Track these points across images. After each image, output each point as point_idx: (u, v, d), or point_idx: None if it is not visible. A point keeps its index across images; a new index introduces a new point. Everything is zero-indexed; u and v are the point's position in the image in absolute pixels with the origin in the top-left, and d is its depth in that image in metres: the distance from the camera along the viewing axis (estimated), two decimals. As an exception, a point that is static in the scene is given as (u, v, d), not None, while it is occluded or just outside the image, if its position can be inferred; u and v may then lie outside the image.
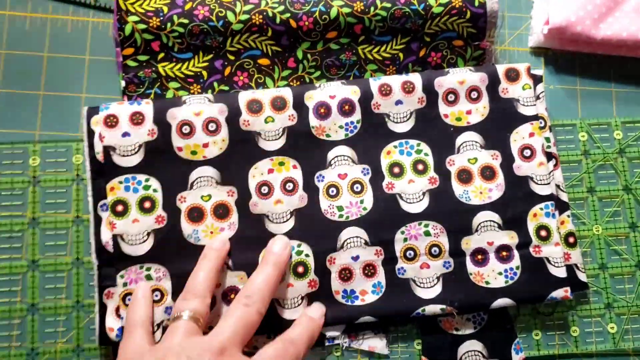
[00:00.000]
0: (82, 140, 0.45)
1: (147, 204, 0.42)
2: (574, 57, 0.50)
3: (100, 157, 0.42)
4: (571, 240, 0.45)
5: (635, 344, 0.46)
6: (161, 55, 0.44)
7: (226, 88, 0.45)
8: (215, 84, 0.45)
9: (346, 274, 0.42)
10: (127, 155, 0.41)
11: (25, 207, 0.44)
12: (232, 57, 0.45)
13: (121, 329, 0.40)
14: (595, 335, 0.46)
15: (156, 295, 0.41)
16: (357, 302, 0.42)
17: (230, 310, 0.37)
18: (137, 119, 0.42)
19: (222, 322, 0.37)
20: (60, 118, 0.46)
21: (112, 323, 0.40)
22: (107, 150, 0.41)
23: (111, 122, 0.42)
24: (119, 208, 0.41)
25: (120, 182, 0.41)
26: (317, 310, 0.41)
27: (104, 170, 0.41)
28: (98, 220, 0.42)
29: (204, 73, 0.45)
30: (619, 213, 0.48)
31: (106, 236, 0.41)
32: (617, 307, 0.46)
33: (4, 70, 0.46)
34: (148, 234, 0.41)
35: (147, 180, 0.42)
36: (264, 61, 0.45)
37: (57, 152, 0.45)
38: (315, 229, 0.43)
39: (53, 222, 0.44)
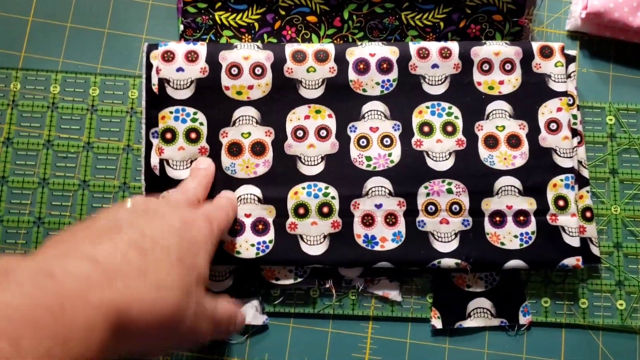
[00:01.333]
0: (139, 76, 0.49)
1: (193, 135, 0.45)
2: (609, 43, 0.52)
3: (155, 88, 0.45)
4: (588, 214, 0.47)
5: (643, 323, 0.47)
6: (218, 4, 0.48)
7: (274, 40, 0.49)
8: (265, 36, 0.49)
9: (368, 220, 0.45)
10: (180, 89, 0.45)
11: (82, 131, 0.48)
12: (282, 12, 0.48)
13: None
14: (604, 310, 0.48)
15: None
16: (377, 248, 0.45)
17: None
18: (191, 56, 0.45)
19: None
20: (121, 55, 0.50)
21: None
22: (162, 82, 0.45)
23: (168, 57, 0.45)
24: (168, 136, 0.45)
25: (171, 112, 0.45)
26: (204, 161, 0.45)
27: (158, 100, 0.45)
28: (149, 146, 0.45)
29: (256, 25, 0.48)
30: (639, 196, 0.49)
31: (155, 160, 0.45)
32: (627, 286, 0.48)
33: (75, 8, 0.50)
34: (191, 162, 0.45)
35: (195, 113, 0.45)
36: (312, 18, 0.49)
37: (116, 85, 0.49)
38: (343, 174, 0.45)
39: (105, 147, 0.48)
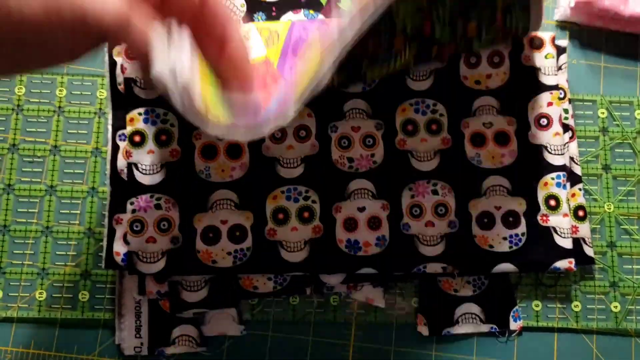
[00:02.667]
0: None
1: (163, 137, 0.43)
2: (600, 33, 0.50)
3: (121, 88, 0.43)
4: (580, 213, 0.45)
5: (638, 325, 0.45)
6: None
7: None
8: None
9: (351, 224, 0.43)
10: (149, 88, 0.43)
11: (48, 134, 0.46)
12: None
13: (127, 254, 0.41)
14: (598, 313, 0.45)
15: (164, 225, 0.42)
16: (360, 253, 0.43)
17: None
18: None
19: None
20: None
21: (119, 248, 0.42)
22: (129, 82, 0.43)
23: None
24: (137, 138, 0.43)
25: (140, 114, 0.43)
26: None
27: (125, 101, 0.43)
28: (115, 149, 0.43)
29: None
30: (633, 193, 0.47)
31: (121, 164, 0.43)
32: (622, 287, 0.46)
33: (40, 4, 0.48)
34: (162, 166, 0.43)
35: (165, 114, 0.43)
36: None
37: (83, 85, 0.47)
38: (324, 177, 0.43)
39: (73, 151, 0.46)
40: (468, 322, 0.44)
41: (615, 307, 0.46)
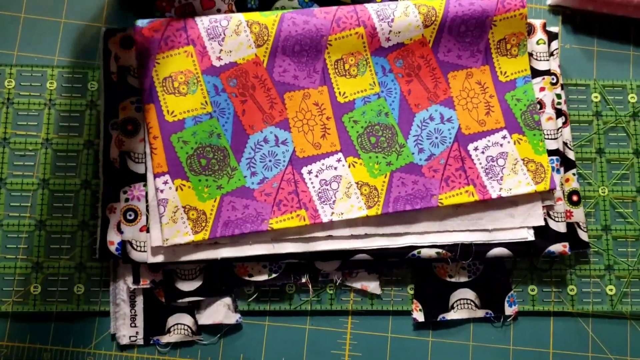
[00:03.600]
0: (98, 67, 0.46)
1: None
2: (592, 17, 0.49)
3: (114, 77, 0.43)
4: (575, 198, 0.45)
5: (634, 308, 0.45)
6: None
7: None
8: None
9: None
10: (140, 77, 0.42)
11: (40, 127, 0.46)
12: None
13: (121, 243, 0.41)
14: (593, 296, 0.46)
15: (130, 215, 0.42)
16: None
17: None
18: None
19: None
20: (79, 45, 0.47)
21: (113, 237, 0.42)
22: (122, 70, 0.43)
23: (127, 44, 0.43)
24: (129, 127, 0.42)
25: (132, 102, 0.43)
26: None
27: (117, 90, 0.43)
28: (108, 138, 0.43)
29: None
30: (627, 176, 0.47)
31: (114, 153, 0.43)
32: (617, 270, 0.46)
33: (29, -3, 0.47)
34: None
35: None
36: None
37: (74, 77, 0.46)
38: None
39: (65, 144, 0.45)
40: (463, 308, 0.44)
41: (611, 290, 0.46)
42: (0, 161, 0.45)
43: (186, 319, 0.43)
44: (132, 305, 0.42)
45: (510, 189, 0.42)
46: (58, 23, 0.47)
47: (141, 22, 0.42)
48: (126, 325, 0.42)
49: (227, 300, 0.43)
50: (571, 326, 0.45)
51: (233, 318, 0.43)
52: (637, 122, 0.48)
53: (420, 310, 0.44)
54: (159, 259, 0.41)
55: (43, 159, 0.45)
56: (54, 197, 0.45)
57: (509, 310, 0.44)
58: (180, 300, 0.42)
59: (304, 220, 0.42)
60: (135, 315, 0.42)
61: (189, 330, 0.43)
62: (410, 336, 0.44)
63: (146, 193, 0.42)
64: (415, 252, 0.43)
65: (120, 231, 0.42)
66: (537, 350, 0.45)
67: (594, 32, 0.49)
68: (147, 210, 0.41)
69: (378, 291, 0.44)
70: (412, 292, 0.45)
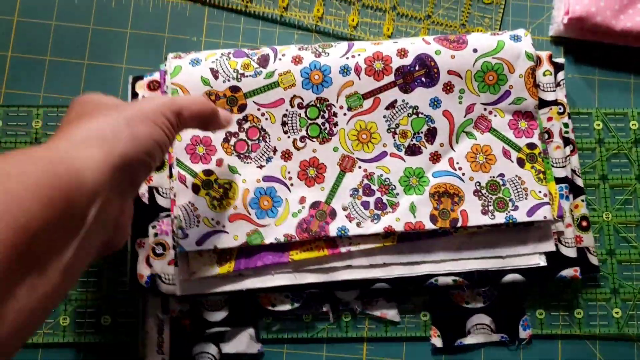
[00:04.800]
0: (120, 107, 0.49)
1: None
2: (593, 48, 0.51)
3: None
4: (584, 224, 0.46)
5: (640, 330, 0.47)
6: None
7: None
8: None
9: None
10: None
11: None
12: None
13: (150, 277, 0.43)
14: (600, 319, 0.47)
15: (159, 249, 0.44)
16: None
17: None
18: None
19: None
20: (102, 86, 0.49)
21: (142, 270, 0.44)
22: None
23: (154, 86, 0.46)
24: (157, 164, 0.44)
25: None
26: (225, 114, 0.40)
27: None
28: None
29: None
30: (630, 202, 0.49)
31: (142, 188, 0.45)
32: (623, 293, 0.47)
33: (53, 41, 0.50)
34: None
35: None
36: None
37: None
38: None
39: (90, 180, 0.48)
40: (479, 333, 0.46)
41: (617, 313, 0.47)
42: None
43: (211, 348, 0.45)
44: (160, 332, 0.44)
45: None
46: (81, 64, 0.50)
47: (165, 66, 0.45)
48: (153, 351, 0.44)
49: (251, 330, 0.45)
50: (579, 348, 0.47)
51: (255, 347, 0.45)
52: (638, 149, 0.49)
53: (438, 336, 0.46)
54: (187, 291, 0.43)
55: (70, 195, 0.47)
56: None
57: (523, 334, 0.46)
58: (208, 331, 0.44)
59: (324, 251, 0.43)
60: (163, 342, 0.44)
61: (213, 358, 0.45)
62: (424, 361, 0.46)
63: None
64: (432, 280, 0.44)
65: (149, 265, 0.44)
66: (547, 372, 0.46)
67: (595, 61, 0.51)
68: (174, 244, 0.43)
69: (397, 319, 0.46)
70: (425, 318, 0.47)
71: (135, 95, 0.46)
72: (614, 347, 0.47)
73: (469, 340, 0.46)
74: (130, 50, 0.50)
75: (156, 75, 0.46)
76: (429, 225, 0.43)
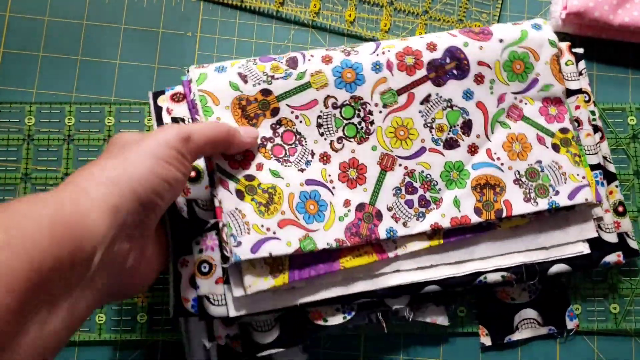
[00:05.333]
0: (114, 103, 0.48)
1: None
2: (591, 43, 0.51)
3: None
4: (620, 209, 0.46)
5: (637, 325, 0.47)
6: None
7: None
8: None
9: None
10: None
11: (59, 162, 0.47)
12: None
13: (196, 300, 0.40)
14: (597, 315, 0.47)
15: (204, 267, 0.40)
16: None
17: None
18: None
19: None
20: (95, 82, 0.49)
21: (187, 294, 0.40)
22: (176, 121, 0.43)
23: (178, 97, 0.44)
24: (193, 174, 0.42)
25: None
26: (250, 130, 0.41)
27: None
28: None
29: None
30: (629, 197, 0.49)
31: (180, 201, 0.41)
32: (620, 289, 0.47)
33: (46, 37, 0.49)
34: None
35: None
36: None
37: (91, 113, 0.48)
38: None
39: (84, 178, 0.47)
40: (528, 327, 0.46)
41: (615, 308, 0.47)
42: (22, 195, 0.46)
43: None
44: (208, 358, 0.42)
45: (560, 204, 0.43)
46: (74, 60, 0.49)
47: (187, 76, 0.43)
48: None
49: (299, 348, 0.44)
50: (577, 344, 0.47)
51: (303, 358, 0.44)
52: (637, 144, 0.49)
53: (486, 334, 0.46)
54: (241, 311, 0.40)
55: (64, 193, 0.47)
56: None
57: (570, 324, 0.46)
58: (260, 354, 0.41)
59: (373, 256, 0.42)
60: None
61: None
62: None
63: (219, 241, 0.40)
64: (481, 278, 0.43)
65: (194, 286, 0.40)
66: (545, 368, 0.46)
67: (593, 57, 0.51)
68: (223, 259, 0.40)
69: (446, 323, 0.45)
70: (462, 314, 0.47)
71: (158, 109, 0.43)
72: (611, 343, 0.47)
73: (517, 336, 0.46)
74: (124, 45, 0.49)
75: (178, 88, 0.44)
76: (474, 219, 0.42)
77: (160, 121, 0.43)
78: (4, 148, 0.47)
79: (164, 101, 0.44)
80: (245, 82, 0.42)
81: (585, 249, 0.44)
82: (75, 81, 0.49)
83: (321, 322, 0.42)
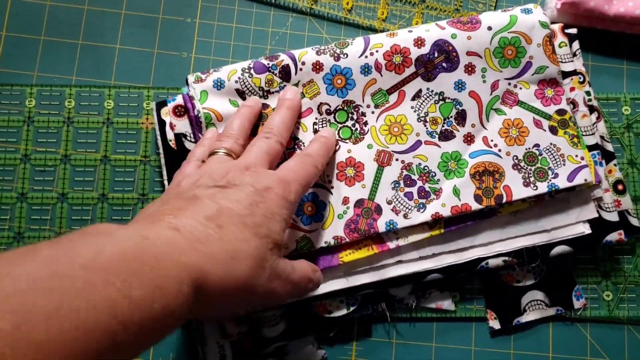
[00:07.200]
0: (114, 87, 0.49)
1: None
2: (586, 33, 0.51)
3: (172, 144, 0.45)
4: (620, 187, 0.47)
5: (630, 313, 0.47)
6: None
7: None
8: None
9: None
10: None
11: (59, 144, 0.48)
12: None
13: None
14: (591, 302, 0.47)
15: None
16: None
17: (252, 142, 0.40)
18: None
19: (246, 152, 0.39)
20: (95, 66, 0.49)
21: None
22: (179, 137, 0.45)
23: (179, 111, 0.45)
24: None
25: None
26: (329, 130, 0.44)
27: (177, 156, 0.45)
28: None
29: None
30: (622, 186, 0.49)
31: (169, 135, 0.45)
32: (614, 277, 0.48)
33: (47, 21, 0.50)
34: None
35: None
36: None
37: (91, 96, 0.49)
38: None
39: (83, 160, 0.48)
40: (535, 309, 0.46)
41: (608, 295, 0.47)
42: (21, 176, 0.47)
43: None
44: (222, 358, 0.43)
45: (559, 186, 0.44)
46: (75, 44, 0.50)
47: (187, 90, 0.45)
48: None
49: (310, 338, 0.45)
50: (570, 331, 0.47)
51: (319, 355, 0.45)
52: (631, 134, 0.50)
53: (495, 318, 0.46)
54: None
55: (62, 174, 0.47)
56: (72, 210, 0.47)
57: (577, 304, 0.46)
58: (267, 348, 0.44)
59: (373, 249, 0.43)
60: (226, 363, 0.44)
61: None
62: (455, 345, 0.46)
63: None
64: (483, 263, 0.44)
65: None
66: (537, 354, 0.46)
67: (588, 47, 0.51)
68: None
69: (452, 307, 0.46)
70: (479, 306, 0.47)
71: (162, 123, 0.46)
72: (604, 330, 0.47)
73: (525, 318, 0.46)
74: (124, 30, 0.50)
75: (179, 100, 0.45)
76: (475, 206, 0.43)
77: (163, 135, 0.45)
78: (4, 129, 0.48)
79: (166, 115, 0.46)
80: (244, 99, 0.44)
81: (586, 229, 0.45)
82: (75, 65, 0.49)
83: (325, 315, 0.44)
